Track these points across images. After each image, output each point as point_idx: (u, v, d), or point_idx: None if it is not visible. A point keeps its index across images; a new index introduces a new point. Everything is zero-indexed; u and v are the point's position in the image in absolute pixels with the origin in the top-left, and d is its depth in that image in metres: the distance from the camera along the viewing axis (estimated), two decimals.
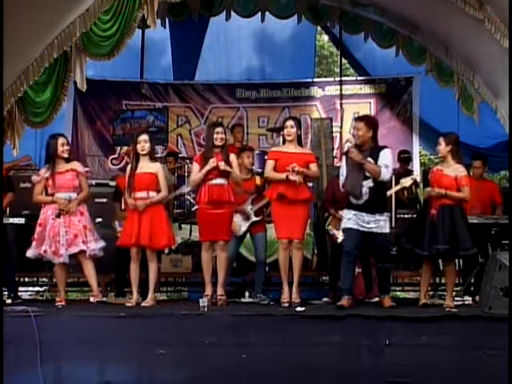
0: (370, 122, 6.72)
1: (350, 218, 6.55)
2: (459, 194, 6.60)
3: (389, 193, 7.43)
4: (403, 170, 9.41)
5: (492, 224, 7.40)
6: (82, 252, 6.71)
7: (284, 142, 7.01)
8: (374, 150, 6.58)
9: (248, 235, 7.65)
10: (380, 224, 6.52)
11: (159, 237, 6.85)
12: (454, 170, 6.66)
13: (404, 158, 9.84)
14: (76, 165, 6.95)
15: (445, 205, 6.57)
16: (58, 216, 6.68)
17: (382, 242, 6.63)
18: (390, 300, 6.73)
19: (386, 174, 6.53)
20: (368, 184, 6.50)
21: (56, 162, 6.82)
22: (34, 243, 6.73)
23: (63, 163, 6.85)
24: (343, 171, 6.69)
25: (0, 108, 6.91)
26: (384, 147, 6.74)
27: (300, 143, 7.03)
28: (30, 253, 6.77)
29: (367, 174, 6.50)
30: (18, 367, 5.63)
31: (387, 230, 6.61)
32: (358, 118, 6.98)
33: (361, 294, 7.46)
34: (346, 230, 6.64)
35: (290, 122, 6.92)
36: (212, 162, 6.73)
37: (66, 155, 6.85)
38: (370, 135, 6.61)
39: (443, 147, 6.72)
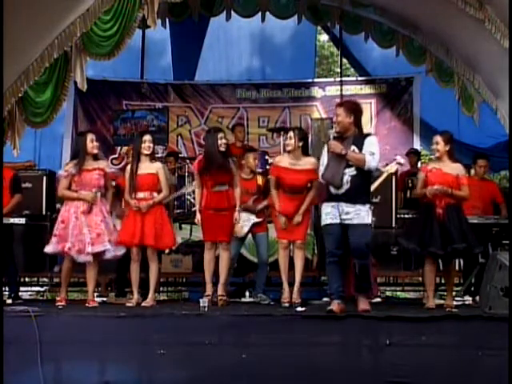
0: (349, 107, 6.26)
1: (327, 213, 6.15)
2: (462, 192, 6.60)
3: (376, 183, 7.28)
4: (415, 170, 9.42)
5: (492, 224, 7.40)
6: (100, 253, 6.68)
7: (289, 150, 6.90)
8: (359, 138, 6.18)
9: (250, 236, 7.66)
10: (361, 215, 6.05)
11: (164, 237, 6.88)
12: (453, 168, 6.64)
13: (412, 155, 9.82)
14: (104, 164, 6.91)
15: (450, 204, 6.53)
16: (90, 211, 6.65)
17: (361, 235, 6.05)
18: (367, 302, 6.24)
19: (371, 162, 6.06)
20: (350, 172, 6.08)
21: (85, 159, 6.75)
22: (55, 239, 6.65)
23: (91, 160, 6.79)
24: (323, 161, 6.29)
25: (0, 108, 6.91)
26: (369, 134, 6.44)
27: (306, 153, 6.85)
28: (49, 248, 6.67)
29: (350, 162, 6.09)
30: (18, 367, 5.63)
31: (369, 222, 6.11)
32: (338, 104, 6.54)
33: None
34: (325, 227, 6.22)
35: (289, 134, 6.82)
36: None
37: (95, 151, 6.80)
38: (351, 121, 6.16)
39: (442, 146, 6.66)
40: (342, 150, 6.07)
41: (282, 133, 8.79)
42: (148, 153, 6.90)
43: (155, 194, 6.87)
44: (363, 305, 6.15)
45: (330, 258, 6.18)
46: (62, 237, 6.64)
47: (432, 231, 6.49)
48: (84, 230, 6.61)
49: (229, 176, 6.87)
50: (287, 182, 6.73)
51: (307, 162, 6.77)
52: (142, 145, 6.87)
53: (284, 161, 6.87)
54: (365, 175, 6.16)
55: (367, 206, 6.13)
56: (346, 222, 6.07)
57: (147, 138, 6.93)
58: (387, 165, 7.49)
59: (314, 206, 7.73)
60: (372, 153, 6.07)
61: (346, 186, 6.07)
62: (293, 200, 6.74)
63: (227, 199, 6.86)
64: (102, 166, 6.84)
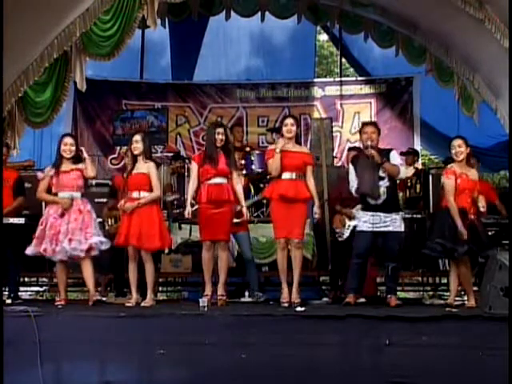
0: (378, 126, 7.05)
1: (365, 221, 6.72)
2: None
3: None
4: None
5: (492, 224, 7.40)
6: (89, 249, 6.70)
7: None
8: (381, 151, 6.79)
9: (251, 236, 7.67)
10: (396, 223, 6.73)
11: (150, 237, 6.81)
12: (473, 174, 6.77)
13: (410, 154, 9.81)
14: (82, 166, 6.85)
15: (476, 210, 6.67)
16: (62, 215, 6.70)
17: (396, 241, 6.76)
18: (396, 299, 6.88)
19: (403, 173, 6.96)
20: (385, 184, 6.73)
21: (62, 162, 6.82)
22: (34, 241, 6.74)
23: (69, 163, 6.83)
24: (353, 176, 6.85)
25: (0, 108, 6.91)
26: (390, 149, 7.06)
27: (298, 141, 7.08)
28: (29, 250, 6.76)
29: (381, 175, 6.70)
30: (17, 367, 5.62)
31: (402, 229, 6.81)
32: (368, 124, 7.15)
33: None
34: (359, 233, 6.80)
35: (290, 120, 6.92)
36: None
37: (67, 155, 6.82)
38: (379, 138, 6.93)
39: (465, 149, 6.74)
40: (382, 160, 6.69)
41: (281, 132, 8.78)
42: (136, 153, 6.95)
43: (145, 194, 6.88)
44: (394, 301, 6.76)
45: (357, 259, 6.79)
46: (39, 239, 6.72)
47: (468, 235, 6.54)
48: (61, 230, 6.66)
49: (228, 170, 6.89)
50: (287, 163, 6.74)
51: (302, 148, 7.20)
52: (131, 146, 6.97)
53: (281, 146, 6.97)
54: (395, 186, 6.92)
55: (400, 214, 6.86)
56: (382, 229, 6.69)
57: (134, 138, 7.02)
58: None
59: (313, 206, 7.76)
60: (401, 164, 7.03)
61: (383, 197, 6.71)
62: (292, 183, 6.74)
63: (228, 192, 6.87)
64: (79, 167, 6.85)
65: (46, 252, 6.68)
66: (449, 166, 6.83)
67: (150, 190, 6.89)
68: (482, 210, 6.67)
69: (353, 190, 6.88)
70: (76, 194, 6.81)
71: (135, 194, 6.87)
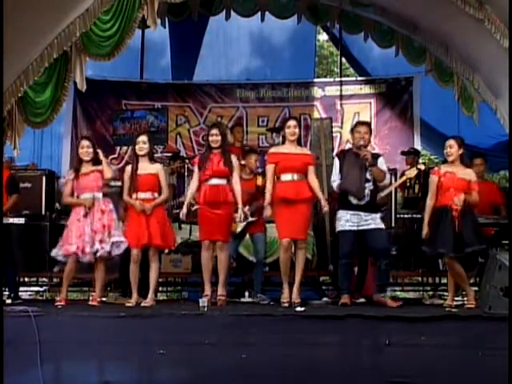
0: (371, 127, 7.14)
1: (347, 220, 6.78)
2: (473, 198, 6.68)
3: (394, 185, 7.74)
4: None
5: (492, 224, 7.40)
6: (105, 251, 6.76)
7: (284, 141, 7.00)
8: (371, 155, 6.87)
9: (247, 235, 7.66)
10: (377, 221, 6.82)
11: (167, 237, 6.97)
12: (466, 174, 6.72)
13: (411, 154, 9.79)
14: (101, 167, 6.95)
15: (463, 208, 6.60)
16: (86, 215, 6.75)
17: (383, 237, 6.88)
18: (395, 300, 7.04)
19: (387, 180, 7.02)
20: (369, 186, 6.82)
21: (81, 165, 6.94)
22: (60, 244, 6.81)
23: (88, 165, 6.93)
24: (336, 171, 6.93)
25: (0, 108, 6.91)
26: (379, 155, 7.14)
27: (300, 143, 7.12)
28: (55, 252, 6.84)
29: (368, 177, 6.80)
30: (17, 367, 5.62)
31: (383, 226, 6.91)
32: (363, 123, 7.22)
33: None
34: (342, 233, 6.83)
35: (293, 122, 6.93)
36: None
37: (85, 157, 6.93)
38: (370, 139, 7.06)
39: (456, 150, 6.74)
40: (373, 162, 6.79)
41: (281, 132, 8.79)
42: (141, 153, 6.98)
43: (156, 195, 6.92)
44: (391, 303, 6.91)
45: (345, 259, 6.86)
46: (65, 240, 6.79)
47: (447, 234, 6.54)
48: (86, 230, 6.73)
49: (227, 171, 6.87)
50: (287, 165, 6.76)
51: (304, 149, 7.25)
52: (136, 146, 6.98)
53: (282, 148, 7.00)
54: (376, 190, 6.94)
55: (379, 213, 6.95)
56: (364, 227, 6.76)
57: (139, 139, 7.04)
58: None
59: (314, 206, 7.77)
60: (387, 172, 7.04)
61: (366, 198, 6.80)
62: (292, 184, 6.75)
63: (224, 194, 6.85)
64: (99, 168, 6.93)
65: (76, 254, 6.72)
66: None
67: (159, 191, 6.93)
68: (453, 206, 6.58)
69: (334, 185, 6.94)
70: (97, 195, 6.89)
71: (147, 195, 6.90)
